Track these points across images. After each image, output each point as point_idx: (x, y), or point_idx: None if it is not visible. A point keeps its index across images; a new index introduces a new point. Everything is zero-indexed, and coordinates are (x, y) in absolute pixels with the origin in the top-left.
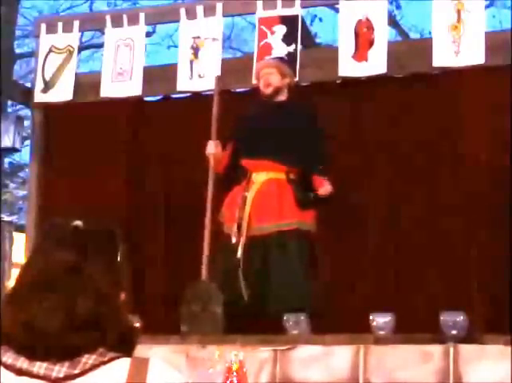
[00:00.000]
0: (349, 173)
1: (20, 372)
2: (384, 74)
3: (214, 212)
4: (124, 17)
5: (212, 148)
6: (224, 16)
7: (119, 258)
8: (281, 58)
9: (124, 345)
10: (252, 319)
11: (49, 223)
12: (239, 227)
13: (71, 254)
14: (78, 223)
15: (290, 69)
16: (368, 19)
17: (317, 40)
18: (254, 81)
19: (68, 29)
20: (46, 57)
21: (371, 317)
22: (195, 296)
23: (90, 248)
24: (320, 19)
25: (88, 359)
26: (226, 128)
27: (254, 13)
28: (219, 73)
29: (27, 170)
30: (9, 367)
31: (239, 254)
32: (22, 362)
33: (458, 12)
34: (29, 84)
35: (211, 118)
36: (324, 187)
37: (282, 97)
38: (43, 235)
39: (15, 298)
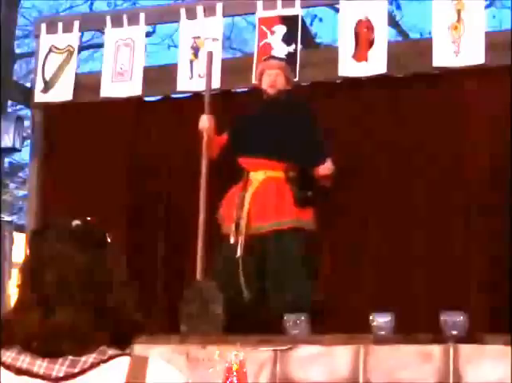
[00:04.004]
0: (349, 173)
1: (20, 371)
2: (384, 74)
3: (210, 211)
4: (124, 17)
5: (205, 122)
6: (224, 16)
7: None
8: (285, 60)
9: (129, 338)
10: (252, 319)
11: (50, 223)
12: (237, 227)
13: (80, 254)
14: (78, 222)
15: (292, 73)
16: (368, 19)
17: (317, 40)
18: (253, 81)
19: (68, 29)
20: (46, 57)
21: (371, 317)
22: (195, 296)
23: (96, 247)
24: (321, 19)
25: (88, 358)
26: (225, 128)
27: (254, 13)
28: (213, 51)
29: (27, 170)
30: (8, 366)
31: (239, 253)
32: (22, 362)
33: (458, 12)
34: (29, 84)
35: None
36: (324, 165)
37: (281, 98)
38: (45, 235)
39: (33, 303)
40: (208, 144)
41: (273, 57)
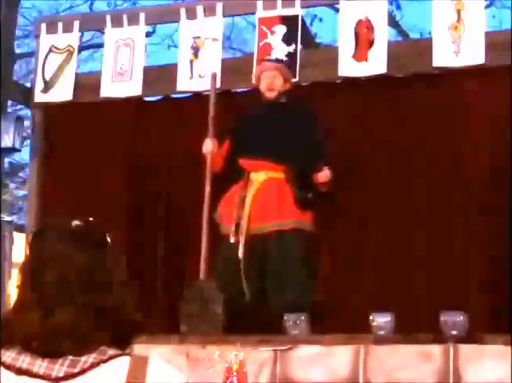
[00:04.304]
0: (349, 173)
1: (20, 371)
2: (384, 74)
3: (212, 213)
4: (124, 17)
5: (209, 146)
6: (224, 16)
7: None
8: (282, 61)
9: (129, 338)
10: (252, 319)
11: (50, 223)
12: (237, 227)
13: (80, 254)
14: (78, 222)
15: (290, 73)
16: (368, 19)
17: (317, 40)
18: (254, 81)
19: (68, 29)
20: (46, 57)
21: (371, 317)
22: (195, 296)
23: (96, 247)
24: (321, 19)
25: (88, 358)
26: (225, 129)
27: (254, 13)
28: (216, 71)
29: (27, 170)
30: (9, 366)
31: (240, 253)
32: (22, 362)
33: (458, 12)
34: (29, 84)
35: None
36: (323, 173)
37: (282, 100)
38: (45, 235)
39: (33, 303)
40: (212, 164)
41: (269, 60)
